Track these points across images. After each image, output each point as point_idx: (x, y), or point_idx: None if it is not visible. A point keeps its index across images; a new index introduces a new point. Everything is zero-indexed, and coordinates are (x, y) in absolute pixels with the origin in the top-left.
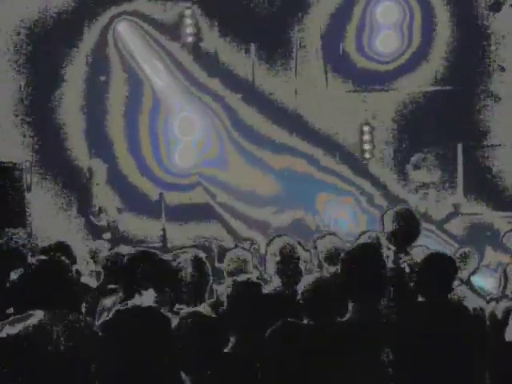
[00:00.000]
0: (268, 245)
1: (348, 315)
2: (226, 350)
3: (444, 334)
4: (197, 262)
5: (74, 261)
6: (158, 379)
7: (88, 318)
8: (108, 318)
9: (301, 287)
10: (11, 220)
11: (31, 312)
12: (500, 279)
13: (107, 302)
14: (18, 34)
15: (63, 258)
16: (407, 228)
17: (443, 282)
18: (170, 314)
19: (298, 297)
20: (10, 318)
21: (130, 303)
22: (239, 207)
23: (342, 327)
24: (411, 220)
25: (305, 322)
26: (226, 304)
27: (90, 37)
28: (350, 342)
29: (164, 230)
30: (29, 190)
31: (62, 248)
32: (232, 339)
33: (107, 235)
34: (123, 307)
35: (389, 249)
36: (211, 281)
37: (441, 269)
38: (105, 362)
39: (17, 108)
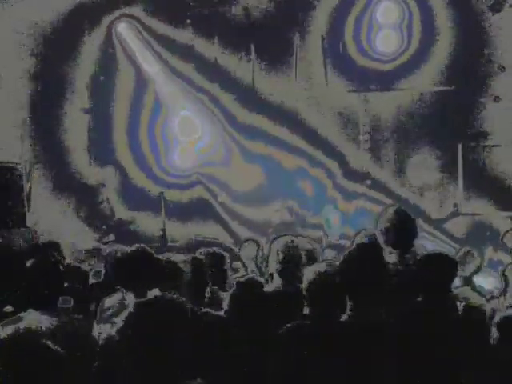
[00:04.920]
0: (271, 244)
1: (347, 315)
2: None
3: (442, 334)
4: (196, 263)
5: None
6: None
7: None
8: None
9: (306, 279)
10: (11, 220)
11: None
12: (500, 280)
13: (109, 300)
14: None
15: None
16: (404, 229)
17: (441, 282)
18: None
19: (303, 287)
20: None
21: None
22: (240, 207)
23: (343, 328)
24: (407, 221)
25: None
26: (228, 304)
27: (91, 37)
28: (352, 342)
29: (164, 229)
30: (29, 190)
31: (55, 246)
32: (238, 338)
33: (111, 237)
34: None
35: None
36: (210, 282)
37: (440, 269)
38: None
39: (18, 109)
